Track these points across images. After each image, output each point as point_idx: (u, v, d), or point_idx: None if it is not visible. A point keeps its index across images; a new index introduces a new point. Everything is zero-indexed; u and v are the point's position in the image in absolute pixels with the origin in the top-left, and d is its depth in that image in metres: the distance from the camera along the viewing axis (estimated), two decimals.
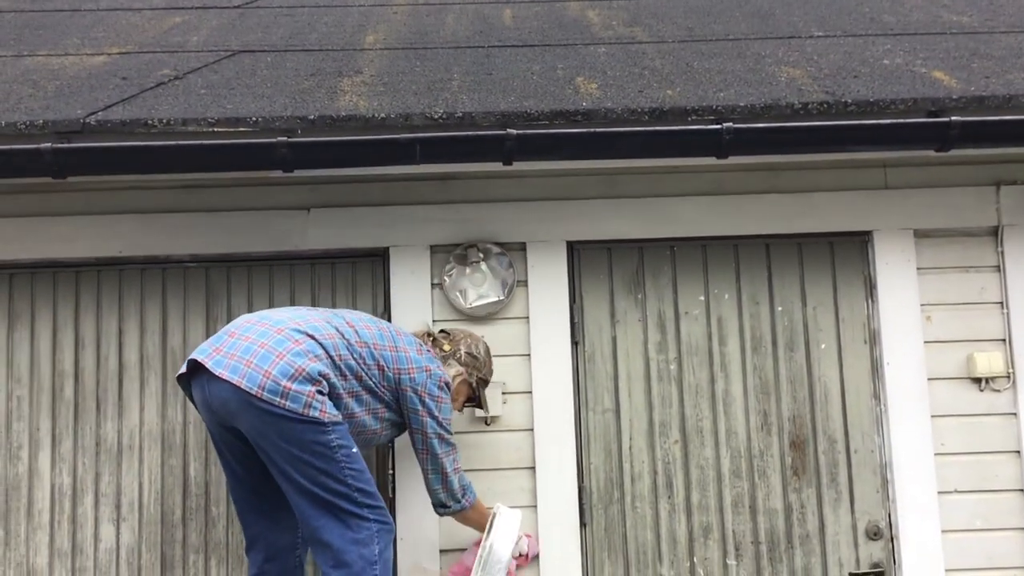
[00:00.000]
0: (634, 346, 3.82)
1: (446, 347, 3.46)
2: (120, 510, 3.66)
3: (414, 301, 3.77)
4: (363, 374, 3.11)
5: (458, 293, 3.76)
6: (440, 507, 3.29)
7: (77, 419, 3.71)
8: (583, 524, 3.71)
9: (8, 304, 3.75)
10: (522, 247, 3.82)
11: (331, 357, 3.03)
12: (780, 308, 3.85)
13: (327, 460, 2.93)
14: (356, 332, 3.16)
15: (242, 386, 2.90)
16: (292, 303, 3.81)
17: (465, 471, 3.64)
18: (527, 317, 3.79)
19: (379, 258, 3.84)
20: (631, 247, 3.87)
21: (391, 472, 3.69)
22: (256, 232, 3.77)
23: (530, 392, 3.74)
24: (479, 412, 3.66)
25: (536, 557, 3.61)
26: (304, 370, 2.94)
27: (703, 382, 3.81)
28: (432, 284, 3.79)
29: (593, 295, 3.85)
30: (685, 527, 3.73)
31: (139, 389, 3.74)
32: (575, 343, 3.81)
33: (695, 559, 3.71)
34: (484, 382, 3.53)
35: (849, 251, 3.87)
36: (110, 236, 3.73)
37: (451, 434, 3.27)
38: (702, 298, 3.85)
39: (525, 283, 3.80)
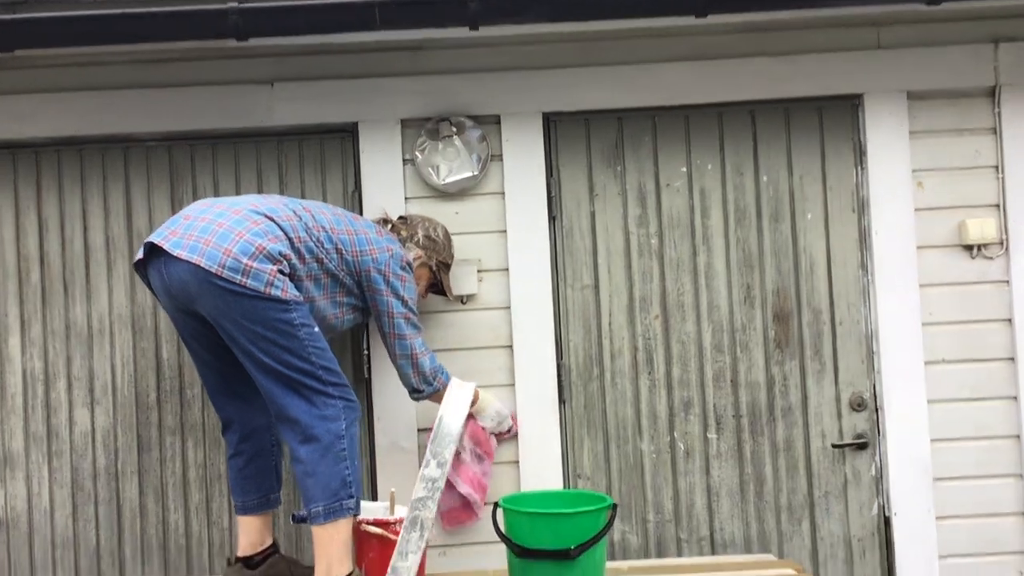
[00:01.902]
0: (613, 220, 3.70)
1: (403, 232, 3.37)
2: (94, 394, 3.63)
3: (385, 178, 3.64)
4: (323, 257, 3.02)
5: (431, 169, 3.63)
6: (414, 392, 3.24)
7: (45, 304, 3.65)
8: (562, 401, 3.66)
9: None
10: (496, 120, 3.67)
11: (290, 239, 2.94)
12: (765, 178, 3.70)
13: (290, 338, 2.86)
14: (313, 216, 3.06)
15: (202, 264, 2.81)
16: (259, 181, 3.69)
17: (442, 351, 3.60)
18: (502, 192, 3.66)
19: (348, 134, 3.70)
20: (610, 117, 3.71)
21: (366, 353, 3.62)
22: (219, 108, 3.62)
23: (506, 269, 3.64)
24: (448, 298, 3.57)
25: (515, 436, 3.58)
26: (265, 248, 2.84)
27: (685, 256, 3.69)
28: (404, 160, 3.66)
29: (571, 168, 3.71)
30: (665, 402, 3.68)
31: (106, 272, 3.66)
32: (552, 218, 3.69)
33: (675, 434, 3.67)
34: (445, 265, 3.44)
35: (838, 116, 3.70)
36: (68, 114, 3.60)
37: (417, 315, 3.20)
38: (684, 169, 3.71)
39: (500, 157, 3.66)
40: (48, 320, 3.64)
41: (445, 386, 3.27)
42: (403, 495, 3.26)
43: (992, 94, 3.64)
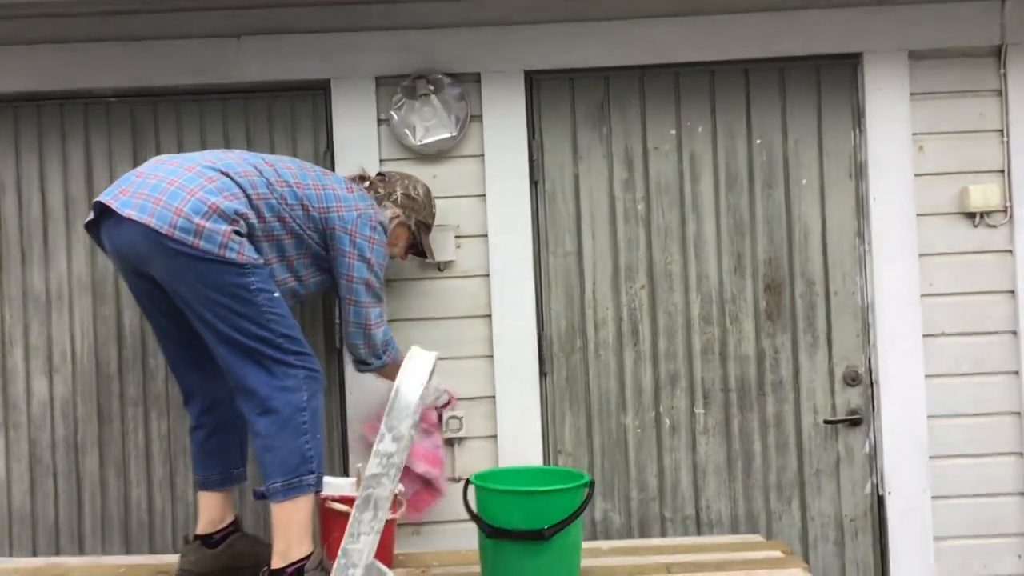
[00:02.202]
0: (598, 184, 3.53)
1: (380, 189, 3.18)
2: (52, 362, 3.47)
3: (359, 138, 3.46)
4: (285, 215, 2.84)
5: (407, 129, 3.45)
6: (359, 363, 3.07)
7: (1, 268, 3.47)
8: (543, 374, 3.50)
9: None
10: (476, 78, 3.48)
11: (248, 196, 2.76)
12: (759, 141, 3.52)
13: (247, 304, 2.70)
14: (276, 171, 2.88)
15: (151, 225, 2.63)
16: (225, 141, 3.51)
17: (417, 320, 3.44)
18: (482, 155, 3.48)
19: (320, 92, 3.51)
20: (596, 76, 3.52)
21: (338, 321, 3.46)
22: (183, 62, 3.43)
23: (486, 235, 3.47)
24: (428, 260, 3.40)
25: (451, 408, 3.42)
26: (219, 207, 2.67)
27: (673, 223, 3.52)
28: (379, 120, 3.48)
29: (554, 130, 3.53)
30: (651, 376, 3.51)
31: (65, 235, 3.48)
32: (534, 182, 3.51)
33: (661, 408, 3.51)
34: (426, 226, 3.26)
35: (836, 76, 3.51)
36: (25, 68, 3.41)
37: (381, 283, 3.02)
38: (673, 132, 3.53)
39: (480, 117, 3.48)
40: (4, 286, 3.47)
41: (395, 361, 3.11)
42: None
43: (998, 54, 3.45)
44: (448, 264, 3.47)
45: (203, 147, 3.49)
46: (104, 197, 2.74)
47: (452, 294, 3.48)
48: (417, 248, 3.30)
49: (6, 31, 3.39)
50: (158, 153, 3.44)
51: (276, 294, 2.76)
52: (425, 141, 3.45)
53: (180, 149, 3.47)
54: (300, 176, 2.92)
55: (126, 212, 2.67)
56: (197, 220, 2.63)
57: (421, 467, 3.26)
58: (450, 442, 3.45)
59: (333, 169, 3.44)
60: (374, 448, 1.99)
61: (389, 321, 3.41)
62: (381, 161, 3.47)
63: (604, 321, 3.51)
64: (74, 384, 3.47)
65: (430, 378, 2.29)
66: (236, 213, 2.69)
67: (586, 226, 3.52)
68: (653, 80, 3.53)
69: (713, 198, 3.52)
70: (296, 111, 3.53)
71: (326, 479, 2.90)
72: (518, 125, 3.47)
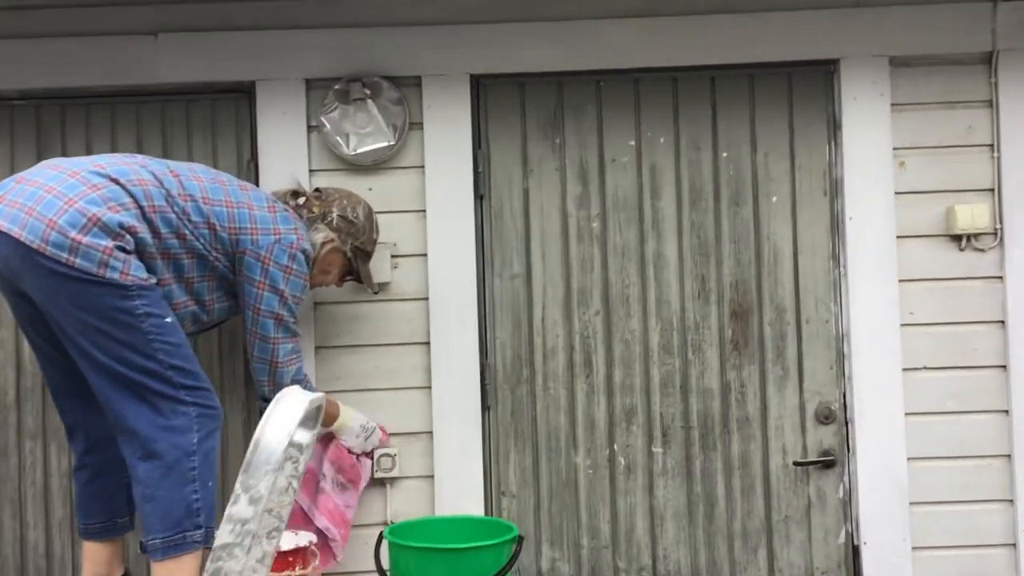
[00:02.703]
0: (550, 200, 3.21)
1: (315, 208, 2.85)
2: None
3: (287, 147, 3.15)
4: (186, 232, 2.52)
5: (339, 137, 3.14)
6: (264, 401, 2.70)
7: None
8: (486, 408, 3.18)
9: None
10: (417, 82, 3.17)
11: (141, 208, 2.43)
12: (725, 154, 3.22)
13: (130, 330, 2.37)
14: (180, 183, 2.55)
15: (22, 239, 2.31)
16: (139, 147, 3.19)
17: (349, 347, 3.13)
18: (422, 166, 3.16)
19: (244, 95, 3.20)
20: (549, 81, 3.22)
21: None
22: (93, 62, 3.12)
23: (425, 255, 3.15)
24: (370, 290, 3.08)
25: (384, 448, 3.10)
26: (99, 220, 2.34)
27: (631, 242, 3.21)
28: (309, 127, 3.16)
29: (502, 140, 3.22)
30: (605, 410, 3.20)
31: None
32: (479, 197, 3.20)
33: (615, 446, 3.19)
34: (363, 253, 2.92)
35: (810, 84, 3.21)
36: None
37: (294, 317, 2.71)
38: (633, 143, 3.22)
39: (420, 125, 3.17)
40: None
41: None
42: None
43: (988, 61, 3.15)
44: (384, 286, 3.15)
45: (113, 150, 3.17)
46: None
47: (387, 319, 3.16)
48: (355, 275, 2.98)
49: None
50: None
51: (168, 319, 2.43)
52: (360, 150, 3.14)
53: (89, 154, 3.15)
54: (211, 190, 2.60)
55: None
56: (73, 234, 2.31)
57: (322, 522, 2.94)
58: (381, 482, 3.13)
59: (257, 181, 3.13)
60: (226, 511, 1.67)
61: (318, 347, 3.11)
62: (311, 172, 3.16)
63: (554, 350, 3.20)
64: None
65: (313, 425, 1.98)
66: (121, 226, 2.36)
67: (536, 245, 3.21)
68: (611, 86, 3.22)
69: (675, 215, 3.21)
70: (217, 115, 3.21)
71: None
72: (462, 134, 3.16)
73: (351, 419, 2.99)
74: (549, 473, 3.19)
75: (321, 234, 2.82)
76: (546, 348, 3.20)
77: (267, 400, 2.70)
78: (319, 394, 1.94)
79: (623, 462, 3.19)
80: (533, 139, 3.22)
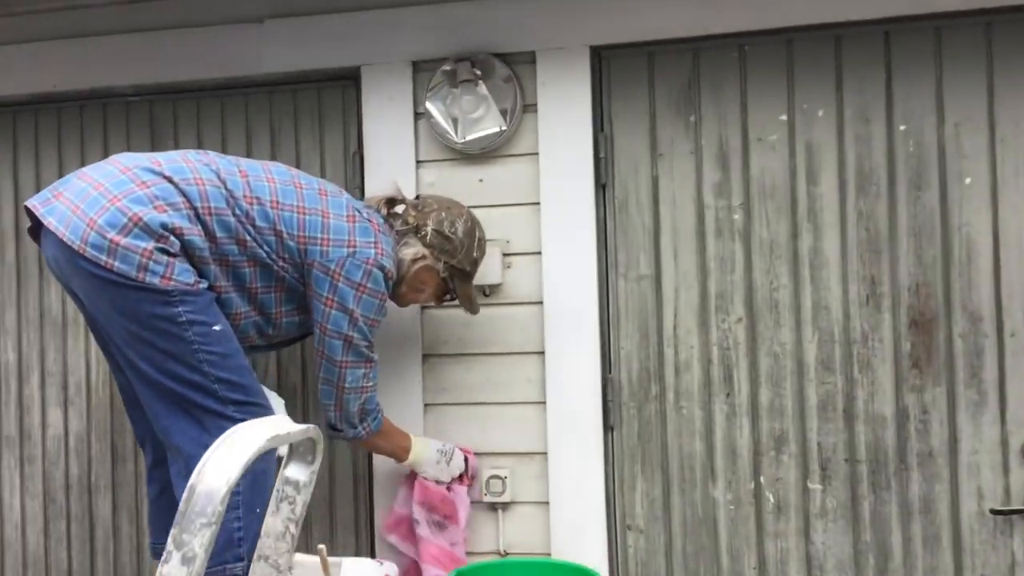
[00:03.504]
0: (683, 188, 2.75)
1: (410, 219, 2.55)
2: (67, 392, 3.13)
3: (392, 136, 2.88)
4: (247, 238, 2.29)
5: (446, 124, 2.83)
6: (330, 428, 2.50)
7: (20, 286, 3.18)
8: (608, 428, 2.77)
9: None
10: (531, 58, 2.81)
11: (194, 208, 2.23)
12: (903, 127, 2.62)
13: (173, 340, 2.18)
14: (248, 183, 2.33)
15: (64, 239, 2.18)
16: (248, 141, 3.04)
17: (456, 356, 2.82)
18: (536, 153, 2.80)
19: (350, 81, 2.97)
20: (682, 49, 2.75)
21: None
22: (203, 54, 2.99)
23: (540, 253, 2.79)
24: (480, 281, 2.76)
25: (474, 477, 2.77)
26: (140, 220, 2.16)
27: (781, 237, 2.69)
28: (416, 114, 2.88)
29: (627, 120, 2.79)
30: (749, 436, 2.70)
31: None
32: (601, 186, 2.79)
33: (762, 480, 2.69)
34: (462, 273, 2.58)
35: (1017, 34, 2.55)
36: (44, 67, 3.09)
37: (367, 340, 2.42)
38: (784, 117, 2.69)
39: (535, 107, 2.81)
40: (23, 306, 3.18)
41: (376, 431, 2.53)
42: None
43: None
44: (494, 288, 2.82)
45: (224, 147, 3.05)
46: (33, 200, 2.30)
47: (498, 325, 2.82)
48: (451, 294, 2.66)
49: (26, 27, 3.08)
50: None
51: (217, 327, 2.22)
52: (468, 137, 2.82)
53: (200, 148, 3.04)
54: (281, 193, 2.37)
55: (48, 220, 2.23)
56: (111, 235, 2.14)
57: (432, 572, 2.64)
58: (493, 507, 2.80)
59: (362, 175, 2.89)
60: (157, 570, 1.41)
61: (425, 356, 2.83)
62: (418, 163, 2.88)
63: (688, 363, 2.74)
64: (88, 418, 3.12)
65: (312, 459, 1.68)
66: (164, 227, 2.17)
67: (666, 242, 2.76)
68: (758, 51, 2.71)
69: (837, 203, 2.65)
70: (324, 105, 3.01)
71: (298, 556, 2.35)
72: (582, 115, 2.76)
73: (426, 448, 2.68)
74: (682, 507, 2.74)
75: (412, 249, 2.52)
76: (678, 361, 2.74)
77: (333, 427, 2.47)
78: (303, 426, 1.64)
79: (772, 499, 2.68)
80: (663, 118, 2.77)
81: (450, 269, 2.56)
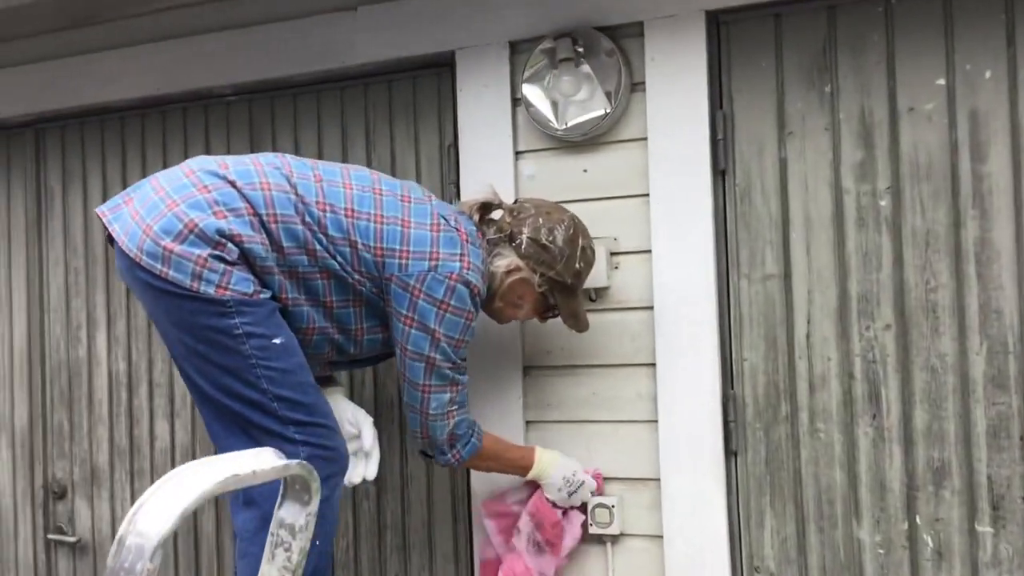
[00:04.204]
0: (817, 171, 2.34)
1: (506, 226, 2.26)
2: (173, 404, 3.04)
3: (489, 126, 2.61)
4: (318, 249, 2.07)
5: (545, 109, 2.54)
6: (422, 453, 2.28)
7: (129, 295, 3.12)
8: (731, 453, 2.39)
9: (62, 161, 3.24)
10: (638, 30, 2.47)
11: (259, 215, 2.03)
12: None
13: (229, 353, 1.99)
14: (322, 189, 2.11)
15: (123, 247, 2.04)
16: (343, 137, 2.85)
17: (558, 368, 2.53)
18: (645, 138, 2.46)
19: (445, 68, 2.72)
20: (815, 8, 2.34)
21: None
22: (298, 47, 2.82)
23: (650, 251, 2.45)
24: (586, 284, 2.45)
25: (608, 509, 2.45)
26: (196, 226, 1.98)
27: (939, 226, 2.22)
28: (513, 100, 2.60)
29: (750, 94, 2.40)
30: (901, 467, 2.25)
31: None
32: (719, 172, 2.42)
33: (917, 520, 2.23)
34: (563, 286, 2.26)
35: None
36: (147, 71, 3.01)
37: (452, 362, 2.15)
38: (941, 81, 2.23)
39: (643, 86, 2.47)
40: (132, 315, 3.12)
41: (462, 462, 2.25)
42: None
43: None
44: (601, 292, 2.50)
45: (320, 144, 2.88)
46: (103, 206, 2.17)
47: (606, 333, 2.50)
48: (554, 310, 2.36)
49: (130, 32, 3.03)
50: (274, 150, 2.84)
51: (278, 340, 2.02)
52: (570, 123, 2.51)
53: (296, 147, 2.90)
54: (358, 200, 2.14)
55: (112, 228, 2.10)
56: (165, 242, 1.98)
57: None
58: (599, 540, 2.48)
59: (457, 170, 2.64)
60: None
61: (527, 368, 2.55)
62: (517, 154, 2.60)
63: (824, 379, 2.32)
64: (193, 431, 3.02)
65: (308, 499, 1.42)
66: (221, 233, 1.98)
67: (797, 235, 2.35)
68: (907, 3, 2.26)
69: (1011, 185, 2.17)
70: (419, 95, 2.78)
71: None
72: (697, 91, 2.40)
73: (552, 468, 2.39)
74: (820, 549, 2.32)
75: (505, 260, 2.23)
76: (813, 376, 2.33)
77: (424, 453, 2.25)
78: (279, 463, 1.38)
79: (930, 543, 2.22)
80: (793, 89, 2.36)
81: (549, 282, 2.25)
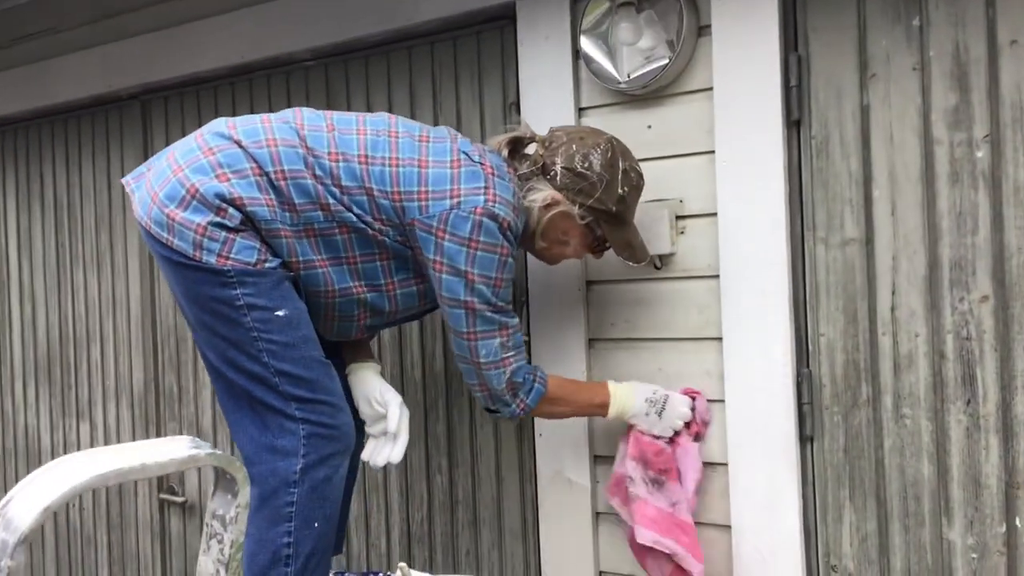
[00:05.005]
0: (904, 119, 2.02)
1: (539, 158, 2.10)
2: None
3: (551, 81, 2.44)
4: (331, 201, 1.97)
5: (607, 60, 2.33)
6: (486, 410, 2.14)
7: None
8: (805, 438, 2.15)
9: (166, 131, 3.31)
10: None
11: (266, 174, 1.95)
12: None
13: (232, 325, 1.93)
14: (334, 139, 2.01)
15: (137, 216, 2.02)
16: (411, 98, 2.75)
17: (620, 340, 2.35)
18: (710, 88, 2.22)
19: (507, 21, 2.56)
20: None
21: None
22: (366, 6, 2.73)
23: (715, 214, 2.22)
24: (650, 250, 2.26)
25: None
26: (197, 191, 1.92)
27: None
28: (575, 52, 2.41)
29: (827, 33, 2.10)
30: (999, 462, 1.94)
31: None
32: (793, 124, 2.14)
33: (1017, 522, 1.92)
34: (608, 215, 2.09)
35: None
36: (234, 39, 3.02)
37: (491, 305, 2.00)
38: None
39: (708, 29, 2.22)
40: None
41: (529, 410, 2.09)
42: (564, 551, 2.28)
43: None
44: (666, 259, 2.30)
45: (390, 105, 2.79)
46: (128, 176, 2.14)
47: (671, 304, 2.30)
48: (602, 242, 2.19)
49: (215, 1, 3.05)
50: None
51: (281, 312, 1.94)
52: (633, 74, 2.30)
53: (368, 107, 2.83)
54: (371, 146, 2.02)
55: (132, 197, 2.07)
56: (169, 209, 1.94)
57: (647, 536, 2.17)
58: None
59: None
60: None
61: (591, 340, 2.40)
62: (580, 111, 2.42)
63: (911, 358, 2.02)
64: None
65: (235, 487, 1.34)
66: (221, 198, 1.92)
67: (881, 194, 2.05)
68: None
69: None
70: (483, 51, 2.63)
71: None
72: (768, 32, 2.12)
73: (629, 399, 2.20)
74: (905, 549, 2.05)
75: (540, 194, 2.08)
76: (898, 354, 2.04)
77: (487, 409, 2.12)
78: (183, 454, 1.30)
79: None
80: (875, 25, 2.05)
81: (592, 211, 2.08)
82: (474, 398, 2.23)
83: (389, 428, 2.13)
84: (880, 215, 2.05)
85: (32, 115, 3.67)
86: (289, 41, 2.92)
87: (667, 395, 2.21)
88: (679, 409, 2.21)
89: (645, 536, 2.17)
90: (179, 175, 1.97)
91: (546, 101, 2.44)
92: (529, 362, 2.15)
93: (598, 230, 2.13)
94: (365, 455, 2.16)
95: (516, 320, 2.07)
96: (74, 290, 3.59)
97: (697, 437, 2.24)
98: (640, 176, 2.15)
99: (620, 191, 2.09)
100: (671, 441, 2.22)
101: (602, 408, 2.21)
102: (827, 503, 2.14)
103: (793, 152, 2.14)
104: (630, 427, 2.23)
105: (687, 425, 2.22)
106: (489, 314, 2.01)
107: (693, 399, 2.22)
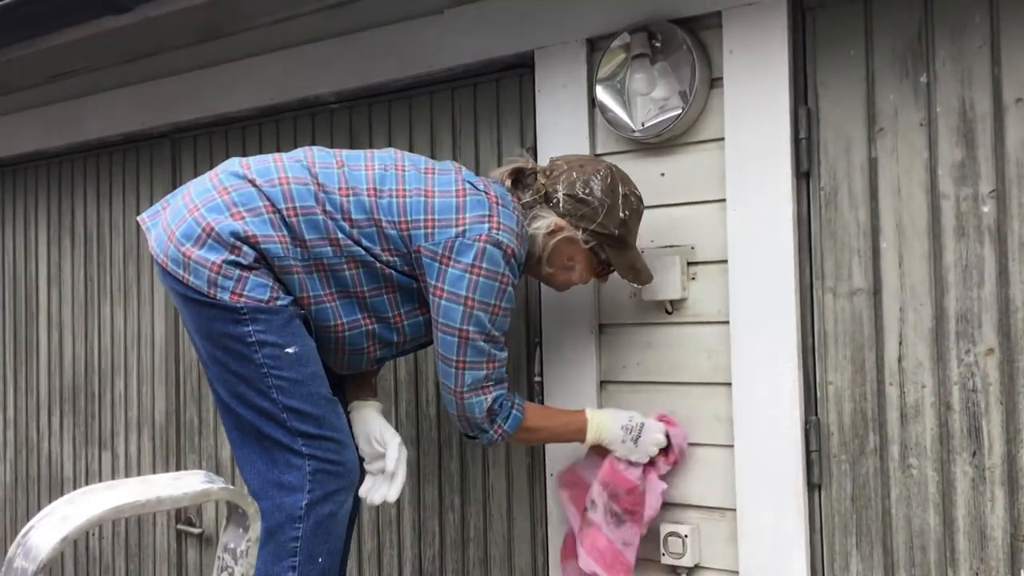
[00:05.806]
0: (911, 173, 2.06)
1: (541, 187, 2.17)
2: None
3: (566, 128, 2.50)
4: (340, 236, 2.04)
5: (622, 109, 2.39)
6: (464, 435, 2.18)
7: None
8: (813, 486, 2.17)
9: (194, 169, 3.39)
10: (716, 21, 2.27)
11: (279, 211, 2.02)
12: None
13: (243, 362, 2.00)
14: (344, 175, 2.09)
15: (154, 254, 2.09)
16: (432, 140, 2.83)
17: (637, 383, 2.40)
18: (722, 138, 2.26)
19: (526, 69, 2.62)
20: None
21: (538, 380, 2.56)
22: (389, 52, 2.81)
23: (726, 261, 2.26)
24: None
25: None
26: (212, 230, 2.00)
27: None
28: (591, 101, 2.47)
29: (836, 87, 2.15)
30: (1004, 513, 1.95)
31: None
32: (802, 175, 2.18)
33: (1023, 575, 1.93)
34: (612, 239, 2.15)
35: None
36: (263, 81, 3.11)
37: (486, 335, 2.05)
38: None
39: (721, 81, 2.27)
40: None
41: (507, 436, 2.14)
42: None
43: None
44: (677, 304, 2.34)
45: (411, 149, 2.86)
46: (144, 214, 2.21)
47: (681, 348, 2.33)
48: (607, 267, 2.24)
49: (246, 44, 3.13)
50: None
51: (291, 349, 2.00)
52: (646, 124, 2.35)
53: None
54: (379, 179, 2.10)
55: (149, 236, 2.14)
56: (185, 248, 2.01)
57: (587, 564, 2.25)
58: (673, 571, 2.32)
59: None
60: None
61: (603, 382, 2.44)
62: (596, 157, 2.47)
63: (918, 408, 2.05)
64: None
65: (245, 521, 1.38)
66: (235, 236, 1.99)
67: (888, 245, 2.08)
68: None
69: None
70: (502, 97, 2.70)
71: None
72: (778, 85, 2.17)
73: (608, 422, 2.24)
74: None
75: (544, 221, 2.14)
76: (904, 404, 2.06)
77: (468, 436, 2.17)
78: (196, 488, 1.35)
79: None
80: (884, 81, 2.09)
81: (595, 236, 2.14)
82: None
83: (387, 467, 2.17)
84: (888, 266, 2.09)
85: (66, 151, 3.77)
86: (316, 84, 3.00)
87: (643, 422, 2.24)
88: (654, 435, 2.24)
89: (587, 564, 2.24)
90: (195, 214, 2.03)
91: (562, 147, 2.49)
92: (530, 398, 2.19)
93: (602, 254, 2.19)
94: (362, 492, 2.20)
95: (505, 355, 2.13)
96: (100, 322, 3.67)
97: (672, 467, 2.28)
98: (640, 200, 2.22)
99: (621, 215, 2.15)
100: (646, 469, 2.25)
101: (579, 434, 2.25)
102: (834, 551, 2.16)
103: (803, 202, 2.18)
104: (602, 451, 2.27)
105: (665, 453, 2.26)
106: (481, 343, 2.06)
107: (668, 431, 2.26)
